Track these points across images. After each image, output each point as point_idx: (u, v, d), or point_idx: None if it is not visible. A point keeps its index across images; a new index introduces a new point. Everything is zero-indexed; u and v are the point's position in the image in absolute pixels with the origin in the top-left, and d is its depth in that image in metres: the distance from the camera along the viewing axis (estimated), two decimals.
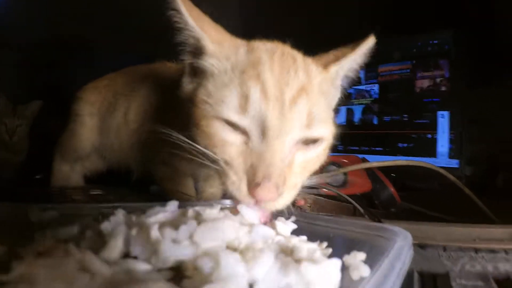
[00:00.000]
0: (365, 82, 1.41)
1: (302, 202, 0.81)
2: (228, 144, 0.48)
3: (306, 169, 0.51)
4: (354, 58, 0.56)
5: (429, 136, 1.23)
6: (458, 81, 1.19)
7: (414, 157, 1.23)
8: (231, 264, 0.31)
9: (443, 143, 1.20)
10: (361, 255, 0.37)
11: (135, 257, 0.33)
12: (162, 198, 0.84)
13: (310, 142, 0.50)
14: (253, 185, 0.44)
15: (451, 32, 1.21)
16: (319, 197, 0.87)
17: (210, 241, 0.34)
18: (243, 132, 0.48)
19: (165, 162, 0.80)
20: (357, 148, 1.40)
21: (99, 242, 0.34)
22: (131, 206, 0.58)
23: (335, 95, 0.60)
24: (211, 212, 0.40)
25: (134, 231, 0.34)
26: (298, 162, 0.49)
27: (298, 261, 0.33)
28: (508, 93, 1.11)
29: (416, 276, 0.49)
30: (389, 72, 1.35)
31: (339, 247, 0.40)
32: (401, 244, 0.39)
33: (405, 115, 1.30)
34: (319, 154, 0.51)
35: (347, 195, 0.90)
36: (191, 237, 0.34)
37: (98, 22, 1.60)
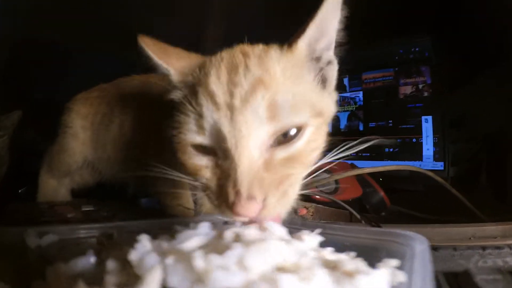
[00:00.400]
0: (349, 90, 1.40)
1: (304, 211, 0.78)
2: (202, 168, 0.45)
3: (298, 162, 0.44)
4: (324, 19, 0.47)
5: (414, 140, 1.22)
6: (439, 86, 1.20)
7: (400, 161, 1.23)
8: (291, 286, 0.27)
9: (428, 147, 1.19)
10: (394, 262, 0.35)
11: None
12: (155, 212, 0.80)
13: (289, 133, 0.44)
14: (230, 205, 0.39)
15: (430, 40, 1.21)
16: (319, 205, 0.84)
17: (261, 264, 0.30)
18: (212, 152, 0.44)
19: (163, 178, 0.76)
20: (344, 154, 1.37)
21: (128, 276, 0.29)
22: (136, 225, 0.54)
23: (330, 69, 0.52)
24: (250, 232, 0.35)
25: (169, 260, 0.29)
26: (279, 159, 0.43)
27: (347, 273, 0.31)
28: (484, 95, 1.12)
29: (440, 277, 0.49)
30: (372, 79, 1.34)
31: (359, 256, 0.38)
32: (423, 248, 0.38)
33: (390, 121, 1.29)
34: (308, 141, 0.45)
35: (341, 201, 0.89)
36: (239, 262, 0.29)
37: (75, 27, 1.53)
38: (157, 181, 0.76)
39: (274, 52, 0.48)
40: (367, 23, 1.33)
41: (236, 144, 0.41)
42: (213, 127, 0.43)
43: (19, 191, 1.18)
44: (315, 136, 0.46)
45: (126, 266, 0.30)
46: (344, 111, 1.41)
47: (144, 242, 0.32)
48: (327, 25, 0.48)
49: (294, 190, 0.45)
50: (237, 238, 0.34)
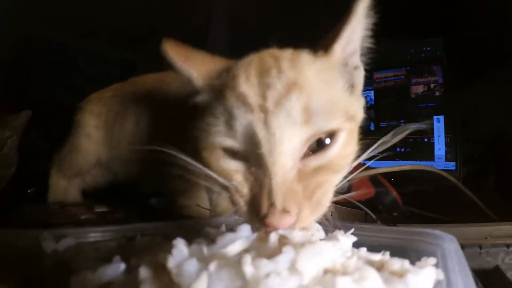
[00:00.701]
0: None
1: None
2: (231, 172, 0.42)
3: (332, 170, 0.42)
4: (355, 24, 0.46)
5: (426, 140, 1.20)
6: (450, 85, 1.18)
7: (412, 161, 1.20)
8: None
9: (440, 147, 1.17)
10: (432, 260, 0.34)
11: None
12: (168, 212, 0.77)
13: (322, 139, 0.41)
14: (261, 217, 0.37)
15: (442, 39, 1.19)
16: (337, 205, 0.81)
17: (314, 268, 0.27)
18: (243, 157, 0.42)
19: (179, 176, 0.72)
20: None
21: (162, 284, 0.25)
22: (152, 227, 0.50)
23: (357, 75, 0.51)
24: (298, 234, 0.31)
25: (212, 267, 0.25)
26: (312, 168, 0.40)
27: (394, 273, 0.30)
28: (496, 94, 1.10)
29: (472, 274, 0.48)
30: (384, 78, 1.31)
31: (391, 255, 0.36)
32: (454, 246, 0.37)
33: (401, 120, 1.27)
34: (342, 147, 0.42)
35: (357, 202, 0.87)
36: (292, 266, 0.26)
37: (79, 29, 1.52)
38: (173, 180, 0.74)
39: (306, 56, 0.46)
40: (378, 22, 1.32)
41: (270, 150, 0.38)
42: (245, 129, 0.40)
43: (28, 191, 1.15)
44: (348, 141, 0.43)
45: (160, 273, 0.26)
46: None
47: (181, 247, 0.27)
48: (361, 27, 0.47)
49: (327, 198, 0.42)
50: (283, 241, 0.30)
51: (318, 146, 0.41)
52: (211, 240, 0.30)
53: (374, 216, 0.87)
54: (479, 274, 0.48)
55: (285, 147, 0.38)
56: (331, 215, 0.76)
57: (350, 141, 0.44)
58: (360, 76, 0.51)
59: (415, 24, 1.22)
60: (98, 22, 1.45)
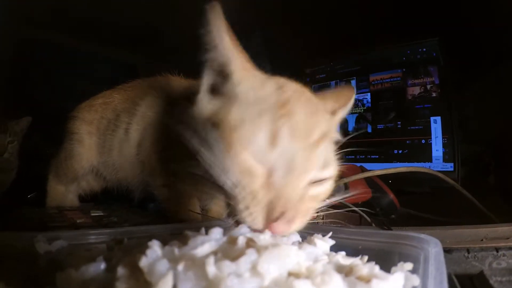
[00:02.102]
0: (357, 91, 1.38)
1: (315, 215, 0.77)
2: (253, 176, 0.46)
3: (316, 201, 0.51)
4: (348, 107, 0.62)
5: (423, 141, 1.21)
6: (447, 86, 1.18)
7: (410, 163, 1.21)
8: None
9: (437, 148, 1.18)
10: (408, 265, 0.35)
11: None
12: (164, 217, 0.79)
13: (319, 180, 0.50)
14: (270, 220, 0.43)
15: (438, 40, 1.20)
16: (329, 209, 0.83)
17: (275, 271, 0.29)
18: (268, 165, 0.46)
19: (169, 185, 0.76)
20: (353, 156, 1.36)
21: (138, 283, 0.28)
22: (145, 230, 0.53)
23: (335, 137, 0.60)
24: (265, 238, 0.34)
25: (181, 267, 0.28)
26: (309, 196, 0.48)
27: (362, 278, 0.31)
28: (493, 94, 1.12)
29: (455, 279, 0.48)
30: (380, 80, 1.32)
31: (371, 259, 0.38)
32: (437, 250, 0.38)
33: (399, 122, 1.28)
34: (326, 189, 0.53)
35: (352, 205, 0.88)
36: (253, 268, 0.29)
37: (77, 32, 1.54)
38: (160, 189, 0.77)
39: (326, 114, 0.56)
40: (374, 24, 1.33)
41: (300, 174, 0.46)
42: (285, 150, 0.45)
43: (29, 196, 1.18)
44: (330, 186, 0.53)
45: (136, 272, 0.29)
46: (352, 113, 1.40)
47: (155, 248, 0.31)
48: None
49: (307, 219, 0.49)
50: (250, 244, 0.32)
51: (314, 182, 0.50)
52: (186, 242, 0.33)
53: (368, 219, 0.88)
54: (462, 279, 0.49)
55: (307, 178, 0.47)
56: (322, 219, 0.78)
57: (331, 186, 0.54)
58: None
59: (411, 25, 1.24)
60: (100, 25, 1.47)
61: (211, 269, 0.27)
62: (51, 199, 0.98)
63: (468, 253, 0.57)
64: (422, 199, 1.12)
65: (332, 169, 0.51)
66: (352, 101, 0.63)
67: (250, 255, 0.30)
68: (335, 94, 0.63)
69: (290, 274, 0.30)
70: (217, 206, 0.83)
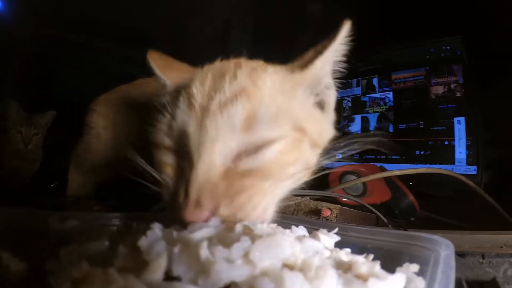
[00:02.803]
0: (379, 90, 1.37)
1: (328, 213, 0.76)
2: (166, 166, 0.47)
3: (262, 175, 0.42)
4: (336, 48, 0.49)
5: (446, 142, 1.18)
6: (472, 86, 1.15)
7: (432, 165, 1.18)
8: (296, 285, 0.26)
9: (460, 150, 1.15)
10: (414, 267, 0.34)
11: (177, 277, 0.29)
12: None
13: (260, 146, 0.43)
14: (177, 208, 0.40)
15: (462, 37, 1.17)
16: (344, 207, 0.82)
17: (267, 259, 0.29)
18: (177, 152, 0.46)
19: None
20: (373, 156, 1.34)
21: (135, 261, 0.30)
22: (157, 216, 0.55)
23: (328, 93, 0.54)
24: (262, 227, 0.34)
25: (176, 249, 0.29)
26: (242, 170, 0.42)
27: (360, 277, 0.30)
28: None
29: (465, 284, 0.47)
30: (403, 79, 1.30)
31: (379, 259, 0.37)
32: (447, 253, 0.37)
33: (421, 122, 1.25)
34: (278, 154, 0.43)
35: (368, 205, 0.87)
36: (245, 255, 0.29)
37: (104, 31, 1.59)
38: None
39: (270, 68, 0.50)
40: (397, 22, 1.31)
41: (199, 146, 0.41)
42: (180, 127, 0.44)
43: (51, 186, 1.23)
44: (288, 149, 0.44)
45: (136, 252, 0.31)
46: (374, 112, 1.38)
47: (156, 230, 0.32)
48: (338, 52, 0.51)
49: (253, 204, 0.42)
50: (247, 231, 0.33)
51: (253, 149, 0.43)
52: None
53: (385, 220, 0.86)
54: (473, 285, 0.48)
55: (216, 147, 0.41)
56: (335, 217, 0.78)
57: (292, 150, 0.45)
58: (331, 95, 0.55)
59: (434, 23, 1.21)
60: (121, 24, 1.52)
61: (203, 252, 0.28)
62: (71, 188, 1.02)
63: (483, 258, 0.56)
64: (443, 203, 1.10)
65: (279, 128, 0.44)
66: (337, 40, 0.49)
67: (244, 243, 0.30)
68: (318, 45, 0.51)
69: (284, 265, 0.31)
70: None
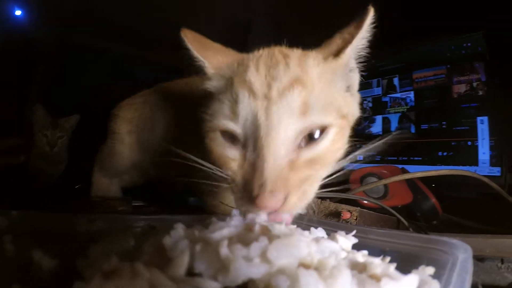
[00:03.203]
0: (400, 90, 1.36)
1: (347, 215, 0.77)
2: (229, 160, 0.48)
3: (320, 163, 0.48)
4: (363, 35, 0.52)
5: (469, 143, 1.16)
6: (494, 83, 1.13)
7: (454, 166, 1.16)
8: (311, 283, 0.28)
9: (484, 150, 1.13)
10: (429, 270, 0.34)
11: (198, 274, 0.31)
12: (202, 210, 0.83)
13: (314, 135, 0.47)
14: (253, 197, 0.42)
15: (483, 34, 1.14)
16: (364, 210, 0.83)
17: (284, 258, 0.31)
18: (242, 144, 0.48)
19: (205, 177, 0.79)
20: (395, 158, 1.34)
21: (160, 258, 0.32)
22: (179, 218, 0.56)
23: (353, 76, 0.57)
24: (280, 227, 0.36)
25: (198, 247, 0.31)
26: (304, 159, 0.46)
27: (373, 277, 0.31)
28: None
29: None
30: (424, 78, 1.29)
31: (397, 262, 0.37)
32: (465, 257, 0.36)
33: (444, 122, 1.23)
34: (331, 142, 0.48)
35: (389, 207, 0.86)
36: (263, 254, 0.31)
37: (128, 36, 1.63)
38: (199, 183, 0.80)
39: (313, 57, 0.52)
40: (417, 19, 1.30)
41: (268, 133, 0.44)
42: (248, 113, 0.46)
43: (76, 187, 1.27)
44: (338, 138, 0.49)
45: (160, 250, 0.33)
46: (395, 112, 1.37)
47: (179, 230, 0.35)
48: (364, 38, 0.54)
49: (313, 190, 0.47)
50: (265, 232, 0.35)
51: (309, 140, 0.47)
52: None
53: (406, 223, 0.86)
54: None
55: (282, 134, 0.45)
56: (355, 220, 0.78)
57: (340, 138, 0.50)
58: (355, 77, 0.58)
59: (455, 19, 1.19)
60: (142, 29, 1.56)
61: (223, 250, 0.30)
62: (95, 189, 1.06)
63: (502, 263, 0.55)
64: (467, 206, 1.07)
65: (329, 115, 0.48)
66: (364, 28, 0.52)
67: (261, 242, 0.32)
68: (343, 32, 0.55)
69: (300, 264, 0.32)
70: None
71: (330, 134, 0.48)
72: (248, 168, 0.45)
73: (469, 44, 1.18)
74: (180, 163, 0.82)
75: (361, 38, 0.53)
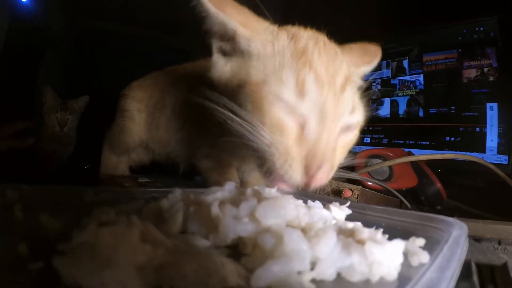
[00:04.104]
0: (409, 73, 1.35)
1: (349, 194, 0.79)
2: (286, 129, 0.49)
3: (344, 151, 0.56)
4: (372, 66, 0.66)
5: (478, 129, 1.15)
6: (506, 70, 1.11)
7: (462, 152, 1.15)
8: (295, 240, 0.29)
9: (492, 137, 1.12)
10: (420, 241, 0.35)
11: (193, 234, 0.33)
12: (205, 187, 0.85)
13: (348, 127, 0.54)
14: (309, 174, 0.48)
15: (496, 18, 1.12)
16: (366, 189, 0.84)
17: (271, 218, 0.33)
18: (300, 118, 0.50)
19: (209, 155, 0.82)
20: (402, 141, 1.34)
21: (158, 218, 0.34)
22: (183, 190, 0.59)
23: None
24: (270, 191, 0.39)
25: (192, 208, 0.34)
26: (340, 145, 0.53)
27: (360, 242, 0.32)
28: None
29: (473, 266, 0.47)
30: (434, 61, 1.28)
31: (393, 236, 0.37)
32: (458, 233, 0.38)
33: (452, 107, 1.22)
34: (354, 137, 0.57)
35: (393, 189, 0.87)
36: (251, 214, 0.33)
37: (136, 20, 1.65)
38: (204, 160, 0.83)
39: (351, 60, 0.60)
40: (428, 1, 1.29)
41: (333, 120, 0.50)
42: (315, 98, 0.49)
43: (85, 167, 1.31)
44: (357, 135, 0.58)
45: (159, 212, 0.36)
46: (404, 95, 1.37)
47: (176, 194, 0.38)
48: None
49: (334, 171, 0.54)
50: (256, 195, 0.37)
51: (345, 129, 0.54)
52: None
53: (408, 205, 0.87)
54: (482, 268, 0.47)
55: (340, 123, 0.51)
56: (356, 198, 0.80)
57: (357, 134, 0.59)
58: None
59: (467, 2, 1.18)
60: (155, 12, 1.57)
61: (214, 209, 0.33)
62: (104, 167, 1.10)
63: (499, 244, 0.56)
64: (472, 193, 1.08)
65: (359, 113, 0.55)
66: (377, 61, 0.66)
67: (250, 202, 0.35)
68: (361, 48, 0.65)
69: (288, 225, 0.34)
70: (255, 179, 0.88)
71: (357, 130, 0.57)
72: (310, 143, 0.49)
73: (481, 28, 1.16)
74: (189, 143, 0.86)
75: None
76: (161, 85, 0.99)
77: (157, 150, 1.02)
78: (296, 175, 0.48)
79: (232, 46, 0.57)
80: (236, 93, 0.54)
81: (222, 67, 0.58)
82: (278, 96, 0.49)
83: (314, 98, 0.49)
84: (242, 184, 0.86)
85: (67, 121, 1.41)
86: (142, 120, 1.01)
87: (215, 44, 0.59)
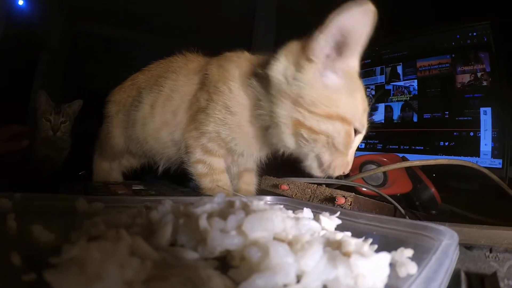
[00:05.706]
0: (403, 78, 1.37)
1: (342, 201, 0.79)
2: (337, 133, 0.66)
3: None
4: None
5: (472, 134, 1.17)
6: (499, 75, 1.13)
7: (456, 156, 1.18)
8: (280, 254, 0.30)
9: (486, 142, 1.14)
10: (408, 252, 0.35)
11: (182, 246, 0.34)
12: (201, 194, 0.86)
13: None
14: (345, 165, 0.72)
15: (489, 23, 1.14)
16: (359, 196, 0.84)
17: (258, 231, 0.34)
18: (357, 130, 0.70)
19: (200, 161, 0.83)
20: (396, 147, 1.36)
21: (148, 230, 0.35)
22: (175, 199, 0.59)
23: None
24: (258, 203, 0.39)
25: (181, 220, 0.35)
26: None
27: (346, 254, 0.33)
28: None
29: (463, 276, 0.47)
30: (428, 67, 1.30)
31: (383, 245, 0.38)
32: (448, 243, 0.37)
33: (446, 112, 1.24)
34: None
35: (387, 195, 0.88)
36: (239, 227, 0.34)
37: (132, 24, 1.66)
38: (194, 165, 0.83)
39: None
40: (421, 7, 1.30)
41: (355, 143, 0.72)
42: (364, 120, 0.71)
43: (80, 173, 1.31)
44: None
45: (149, 223, 0.37)
46: (398, 101, 1.39)
47: (166, 205, 0.38)
48: None
49: None
50: (244, 207, 0.38)
51: None
52: None
53: (402, 211, 0.87)
54: (472, 277, 0.47)
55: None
56: (349, 205, 0.80)
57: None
58: None
59: (460, 7, 1.20)
60: (149, 17, 1.58)
61: (202, 222, 0.34)
62: (97, 175, 1.11)
63: (490, 252, 0.54)
64: (467, 197, 1.09)
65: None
66: None
67: (238, 215, 0.35)
68: None
69: (275, 238, 0.35)
70: (247, 185, 0.90)
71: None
72: (334, 150, 0.69)
73: (474, 33, 1.18)
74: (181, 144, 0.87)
75: None
76: (139, 83, 1.01)
77: (134, 150, 1.03)
78: (336, 171, 0.73)
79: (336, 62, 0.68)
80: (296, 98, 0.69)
81: (289, 76, 0.68)
82: (353, 112, 0.68)
83: (364, 118, 0.71)
84: (234, 190, 0.88)
85: (61, 125, 1.41)
86: (119, 120, 1.03)
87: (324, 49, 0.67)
